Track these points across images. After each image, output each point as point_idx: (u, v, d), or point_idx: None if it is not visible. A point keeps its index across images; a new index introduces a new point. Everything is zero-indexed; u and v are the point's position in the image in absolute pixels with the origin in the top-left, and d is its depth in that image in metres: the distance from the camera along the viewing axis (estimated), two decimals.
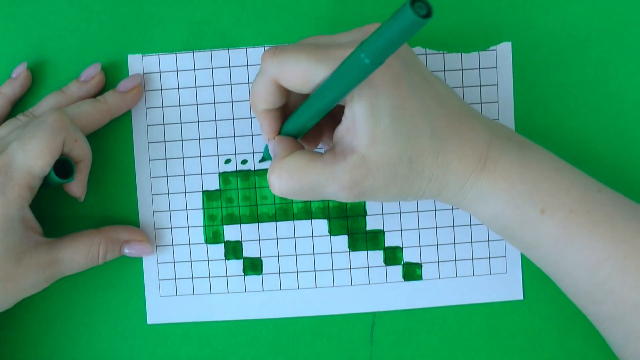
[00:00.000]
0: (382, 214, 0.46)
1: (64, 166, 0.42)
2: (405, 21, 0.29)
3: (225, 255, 0.46)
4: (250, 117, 0.46)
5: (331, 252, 0.46)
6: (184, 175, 0.46)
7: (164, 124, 0.46)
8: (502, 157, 0.38)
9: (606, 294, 0.38)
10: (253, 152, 0.46)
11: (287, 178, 0.37)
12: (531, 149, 0.39)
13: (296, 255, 0.46)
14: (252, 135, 0.46)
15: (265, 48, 0.45)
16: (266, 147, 0.43)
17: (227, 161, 0.46)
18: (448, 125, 0.37)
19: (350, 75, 0.33)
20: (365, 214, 0.46)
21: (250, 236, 0.46)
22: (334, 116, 0.39)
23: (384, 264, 0.46)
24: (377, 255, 0.46)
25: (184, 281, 0.46)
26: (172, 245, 0.46)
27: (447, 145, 0.37)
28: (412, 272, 0.46)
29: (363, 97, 0.35)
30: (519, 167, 0.38)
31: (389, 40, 0.30)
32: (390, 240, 0.46)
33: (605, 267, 0.38)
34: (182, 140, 0.46)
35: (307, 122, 0.38)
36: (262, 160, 0.46)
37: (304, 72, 0.35)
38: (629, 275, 0.37)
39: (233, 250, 0.46)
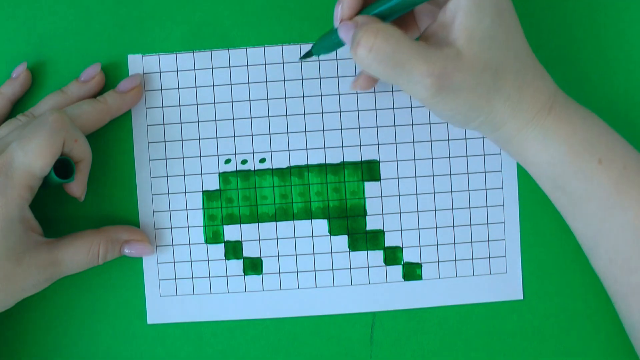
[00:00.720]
0: (382, 214, 0.46)
1: (64, 166, 0.42)
2: None
3: (225, 255, 0.46)
4: (250, 117, 0.46)
5: (331, 252, 0.46)
6: (184, 175, 0.46)
7: (164, 124, 0.46)
8: (567, 105, 0.40)
9: None
10: (253, 152, 0.46)
11: (384, 39, 0.36)
12: (587, 110, 0.41)
13: (296, 255, 0.46)
14: (252, 135, 0.46)
15: (266, 48, 0.45)
16: (322, 38, 0.40)
17: (227, 161, 0.46)
18: (528, 54, 0.39)
19: None
20: (365, 214, 0.46)
21: (250, 236, 0.46)
22: (408, 20, 0.41)
23: (384, 264, 0.46)
24: (377, 255, 0.46)
25: (184, 281, 0.46)
26: (172, 245, 0.46)
27: (527, 72, 0.39)
28: (412, 272, 0.46)
29: None
30: (580, 117, 0.40)
31: None
32: (390, 240, 0.46)
33: None
34: (182, 140, 0.46)
35: (397, 5, 0.37)
36: (307, 55, 0.42)
37: None
38: None
39: (233, 250, 0.46)
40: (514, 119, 0.39)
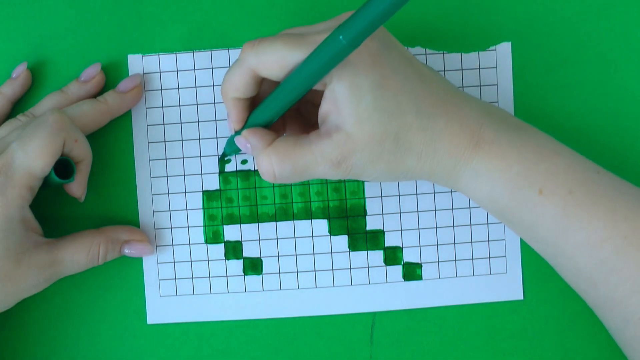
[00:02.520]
0: (382, 214, 0.46)
1: (64, 166, 0.42)
2: (383, 2, 0.30)
3: (225, 255, 0.46)
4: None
5: (331, 252, 0.46)
6: (184, 175, 0.46)
7: (164, 124, 0.46)
8: (497, 137, 0.38)
9: (606, 274, 0.38)
10: None
11: (279, 162, 0.38)
12: (528, 131, 0.39)
13: (296, 255, 0.46)
14: None
15: None
16: (228, 142, 0.43)
17: (227, 161, 0.46)
18: (433, 104, 0.38)
19: (327, 56, 0.34)
20: (365, 214, 0.46)
21: (250, 236, 0.46)
22: (299, 108, 0.41)
23: (384, 264, 0.46)
24: (377, 255, 0.46)
25: (184, 281, 0.46)
26: (172, 245, 0.46)
27: (435, 124, 0.37)
28: (412, 272, 0.46)
29: (343, 78, 0.36)
30: (515, 147, 0.38)
31: (367, 21, 0.32)
32: (390, 240, 0.46)
33: (605, 247, 0.37)
34: (182, 140, 0.46)
35: (279, 109, 0.38)
36: (224, 156, 0.45)
37: (281, 58, 0.36)
38: (629, 255, 0.37)
39: (233, 250, 0.46)
40: (437, 168, 0.38)
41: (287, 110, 0.39)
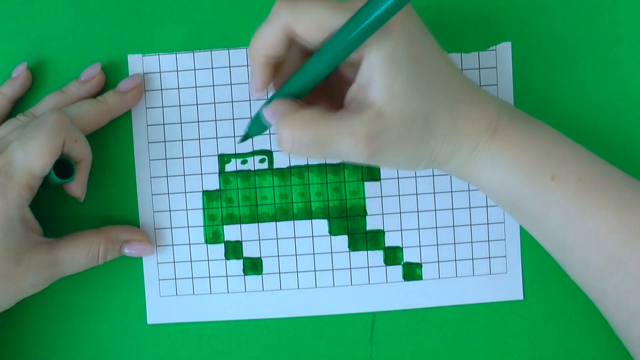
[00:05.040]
0: (382, 214, 0.46)
1: (64, 166, 0.42)
2: None
3: (225, 255, 0.46)
4: (251, 117, 0.46)
5: (331, 252, 0.46)
6: (184, 175, 0.46)
7: (164, 124, 0.46)
8: (512, 124, 0.39)
9: (614, 267, 0.38)
10: (253, 152, 0.46)
11: (301, 129, 0.36)
12: (537, 123, 0.40)
13: (296, 255, 0.46)
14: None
15: None
16: (254, 119, 0.41)
17: (227, 161, 0.46)
18: (459, 89, 0.38)
19: (375, 15, 0.33)
20: (365, 214, 0.46)
21: (250, 236, 0.46)
22: (326, 86, 0.40)
23: (384, 264, 0.46)
24: (377, 255, 0.46)
25: (184, 281, 0.46)
26: (172, 245, 0.46)
27: (460, 107, 0.38)
28: (412, 272, 0.46)
29: (382, 48, 0.35)
30: (528, 135, 0.38)
31: None
32: (390, 240, 0.46)
33: (613, 238, 0.38)
34: (182, 140, 0.46)
35: (315, 77, 0.37)
36: (244, 139, 0.42)
37: (322, 20, 0.35)
38: (637, 246, 0.37)
39: (233, 250, 0.46)
40: (457, 153, 0.38)
41: (318, 83, 0.37)
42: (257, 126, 0.40)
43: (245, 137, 0.42)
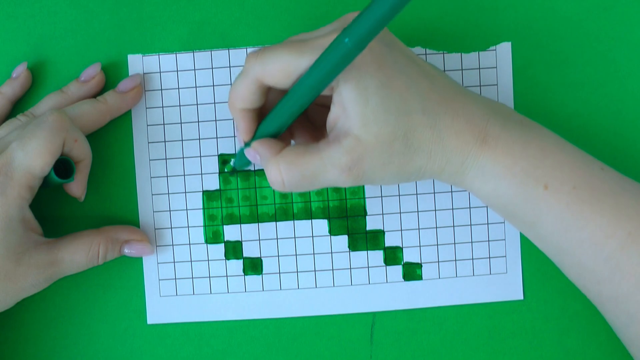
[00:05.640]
0: (382, 214, 0.46)
1: (64, 166, 0.42)
2: (387, 2, 0.30)
3: (225, 255, 0.46)
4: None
5: (331, 252, 0.46)
6: (184, 175, 0.46)
7: (164, 124, 0.46)
8: (502, 133, 0.38)
9: (611, 271, 0.38)
10: None
11: (287, 170, 0.37)
12: (532, 127, 0.39)
13: (296, 255, 0.46)
14: None
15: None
16: (238, 155, 0.42)
17: (228, 161, 0.46)
18: (439, 102, 0.38)
19: (334, 61, 0.34)
20: (365, 214, 0.46)
21: (250, 236, 0.46)
22: (307, 115, 0.41)
23: (384, 264, 0.46)
24: (377, 255, 0.46)
25: (184, 281, 0.46)
26: (172, 245, 0.46)
27: (442, 121, 0.37)
28: (412, 272, 0.46)
29: (349, 80, 0.36)
30: (520, 143, 0.38)
31: (372, 23, 0.31)
32: (390, 240, 0.46)
33: (609, 244, 0.37)
34: (182, 140, 0.46)
35: (288, 118, 0.38)
36: (233, 172, 0.45)
37: (287, 66, 0.36)
38: (633, 252, 0.37)
39: (233, 250, 0.46)
40: (447, 165, 0.38)
41: (294, 121, 0.38)
42: (242, 161, 0.42)
43: (232, 171, 0.44)
